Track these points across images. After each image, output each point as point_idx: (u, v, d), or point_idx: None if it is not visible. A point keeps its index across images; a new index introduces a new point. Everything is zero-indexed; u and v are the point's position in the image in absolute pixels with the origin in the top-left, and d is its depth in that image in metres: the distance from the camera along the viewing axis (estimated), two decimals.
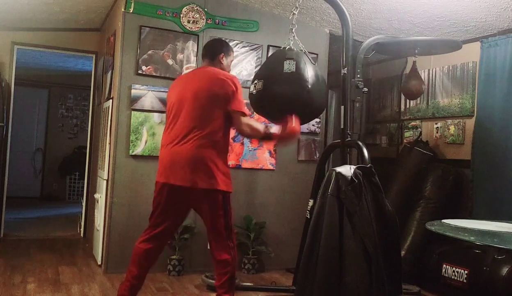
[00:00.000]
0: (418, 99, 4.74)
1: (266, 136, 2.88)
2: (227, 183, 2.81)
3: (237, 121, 2.82)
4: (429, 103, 4.80)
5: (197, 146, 2.74)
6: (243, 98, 2.89)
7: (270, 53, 4.49)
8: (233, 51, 3.17)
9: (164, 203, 2.82)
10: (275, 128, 2.92)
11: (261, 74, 3.26)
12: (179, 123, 2.82)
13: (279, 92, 3.11)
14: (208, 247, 2.94)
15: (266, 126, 2.90)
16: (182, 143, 2.76)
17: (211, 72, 2.91)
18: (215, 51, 3.03)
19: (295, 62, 3.12)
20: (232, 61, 3.15)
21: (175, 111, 2.87)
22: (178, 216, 2.92)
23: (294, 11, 3.35)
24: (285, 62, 3.12)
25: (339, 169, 2.52)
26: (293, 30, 3.34)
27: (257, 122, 2.96)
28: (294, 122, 2.85)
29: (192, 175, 2.72)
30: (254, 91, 3.22)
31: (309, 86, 3.08)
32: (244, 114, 2.83)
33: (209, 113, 2.78)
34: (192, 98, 2.81)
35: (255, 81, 3.23)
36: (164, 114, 4.14)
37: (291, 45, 3.29)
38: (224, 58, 3.03)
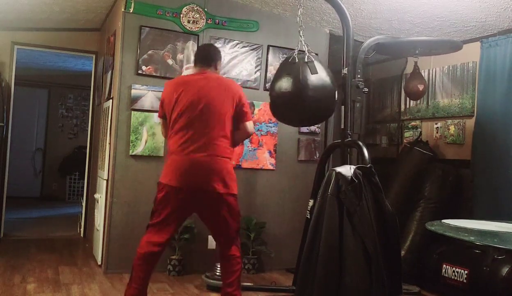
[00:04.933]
0: (418, 99, 4.74)
1: None
2: (237, 185, 2.93)
3: (248, 129, 2.99)
4: (429, 103, 4.80)
5: (217, 153, 2.82)
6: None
7: (270, 54, 4.50)
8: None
9: (178, 207, 2.83)
10: None
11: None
12: (196, 129, 2.82)
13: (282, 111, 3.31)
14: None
15: None
16: (203, 150, 2.80)
17: (224, 81, 3.03)
18: (212, 58, 3.06)
19: (291, 80, 3.16)
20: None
21: (188, 116, 2.84)
22: (182, 220, 2.99)
23: (299, 13, 3.34)
24: (282, 79, 3.21)
25: (339, 169, 2.52)
26: (301, 33, 3.31)
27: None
28: None
29: (214, 181, 2.79)
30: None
31: (306, 102, 3.16)
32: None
33: (225, 120, 2.87)
34: (209, 104, 2.84)
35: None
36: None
37: (297, 50, 3.27)
38: (219, 66, 3.12)
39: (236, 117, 2.94)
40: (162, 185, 2.85)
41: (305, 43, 3.26)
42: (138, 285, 2.80)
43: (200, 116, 2.83)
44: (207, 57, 3.05)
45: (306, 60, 3.18)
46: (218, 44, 4.34)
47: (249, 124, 2.99)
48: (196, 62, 3.07)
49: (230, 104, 2.89)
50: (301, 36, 3.30)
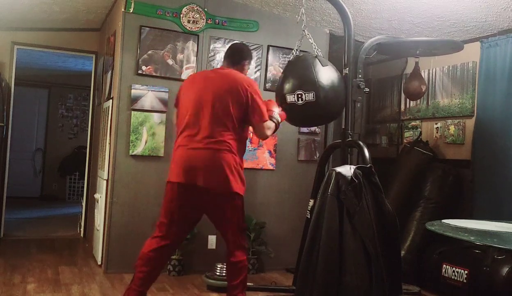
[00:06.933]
0: (418, 99, 4.75)
1: (277, 126, 3.00)
2: (243, 186, 2.84)
3: (262, 130, 2.86)
4: (429, 103, 4.81)
5: (218, 150, 2.73)
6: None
7: (270, 54, 4.50)
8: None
9: (181, 204, 2.78)
10: (276, 113, 3.01)
11: (307, 85, 3.22)
12: (199, 124, 2.78)
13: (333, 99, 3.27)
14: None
15: (272, 118, 2.95)
16: (203, 146, 2.74)
17: (235, 76, 2.89)
18: (242, 56, 3.02)
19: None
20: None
21: (192, 111, 2.82)
22: (190, 219, 2.88)
23: (301, 13, 3.38)
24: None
25: (339, 169, 2.52)
26: (305, 31, 3.39)
27: (270, 121, 2.94)
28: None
29: (213, 178, 2.72)
30: (300, 102, 3.19)
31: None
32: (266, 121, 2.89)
33: (230, 117, 2.78)
34: (213, 100, 2.79)
35: (299, 92, 3.19)
36: (164, 115, 4.16)
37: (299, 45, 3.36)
38: (247, 65, 3.05)
39: (248, 118, 2.84)
40: (167, 182, 2.85)
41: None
42: (137, 286, 2.75)
43: (202, 111, 2.79)
44: (235, 53, 3.03)
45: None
46: (218, 44, 4.34)
47: (259, 126, 2.85)
48: (224, 58, 3.09)
49: (238, 101, 2.78)
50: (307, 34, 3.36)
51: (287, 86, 3.26)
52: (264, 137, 2.95)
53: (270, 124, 2.91)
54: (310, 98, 3.16)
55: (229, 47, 3.19)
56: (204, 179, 2.72)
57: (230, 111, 2.78)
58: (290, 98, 3.20)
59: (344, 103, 3.35)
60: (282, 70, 3.42)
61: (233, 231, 2.83)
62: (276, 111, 3.01)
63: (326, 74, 3.23)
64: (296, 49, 3.46)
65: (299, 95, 3.17)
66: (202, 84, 2.88)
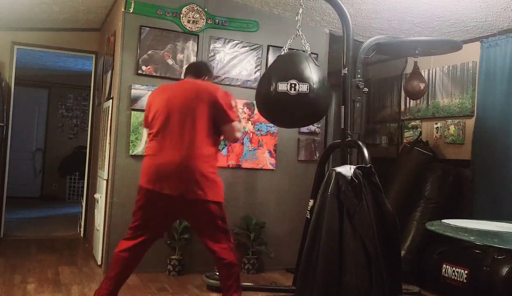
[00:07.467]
0: (418, 99, 4.75)
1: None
2: (220, 193, 2.85)
3: (231, 131, 2.90)
4: (429, 103, 4.81)
5: (190, 158, 2.75)
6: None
7: (270, 54, 4.50)
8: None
9: (153, 211, 2.81)
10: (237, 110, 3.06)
11: (302, 77, 3.16)
12: (170, 132, 2.81)
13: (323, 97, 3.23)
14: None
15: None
16: (174, 154, 2.76)
17: (201, 84, 2.98)
18: (201, 72, 3.11)
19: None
20: None
21: (163, 119, 2.84)
22: (161, 226, 2.93)
23: (298, 13, 3.38)
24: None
25: (339, 169, 2.52)
26: (299, 31, 3.38)
27: (237, 122, 2.95)
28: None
29: (188, 186, 2.74)
30: (293, 91, 3.11)
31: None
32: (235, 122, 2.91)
33: (200, 124, 2.80)
34: (182, 108, 2.82)
35: (293, 82, 3.10)
36: None
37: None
38: (207, 81, 3.12)
39: (217, 120, 2.86)
40: (139, 187, 2.88)
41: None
42: (108, 286, 2.77)
43: (172, 119, 2.81)
44: (195, 69, 3.14)
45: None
46: (218, 44, 4.34)
47: (229, 127, 2.88)
48: (185, 74, 3.16)
49: (203, 108, 2.82)
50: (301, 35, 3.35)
51: (278, 75, 3.17)
52: (234, 139, 2.97)
53: (238, 125, 2.93)
54: (304, 90, 3.09)
55: (190, 64, 3.39)
56: (175, 187, 2.73)
57: (199, 117, 2.80)
58: (282, 86, 3.10)
59: (330, 105, 3.35)
60: None
61: (216, 235, 2.84)
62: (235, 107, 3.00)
63: (319, 73, 3.23)
64: (287, 47, 3.43)
65: (293, 85, 3.10)
66: (170, 94, 2.91)
